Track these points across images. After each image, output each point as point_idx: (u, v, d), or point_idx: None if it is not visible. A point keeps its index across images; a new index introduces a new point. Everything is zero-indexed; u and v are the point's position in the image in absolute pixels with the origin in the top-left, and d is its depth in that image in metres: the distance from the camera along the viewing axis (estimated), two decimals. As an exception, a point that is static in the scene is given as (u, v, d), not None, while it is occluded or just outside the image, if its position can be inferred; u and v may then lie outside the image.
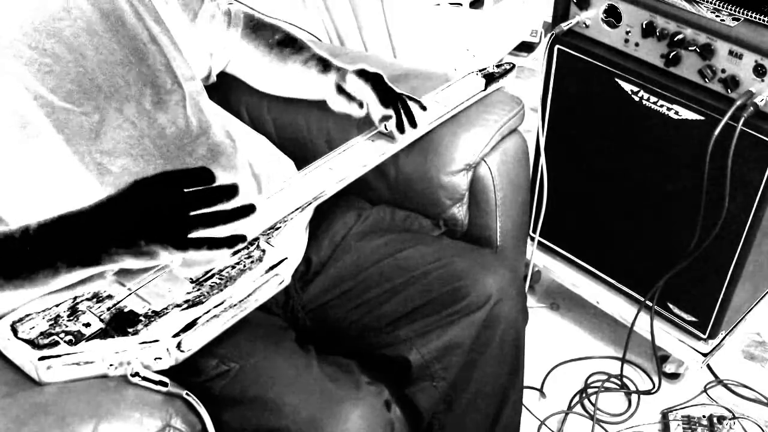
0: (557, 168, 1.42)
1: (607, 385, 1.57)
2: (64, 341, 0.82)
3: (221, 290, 0.89)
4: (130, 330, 0.84)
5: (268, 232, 0.97)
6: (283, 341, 0.98)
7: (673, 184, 1.33)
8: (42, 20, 0.90)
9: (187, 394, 0.83)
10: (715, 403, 1.53)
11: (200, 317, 0.86)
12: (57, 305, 0.86)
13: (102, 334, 0.83)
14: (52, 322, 0.84)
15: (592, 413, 1.51)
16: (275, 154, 1.18)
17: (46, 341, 0.82)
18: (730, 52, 1.16)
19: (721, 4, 1.19)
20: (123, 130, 0.95)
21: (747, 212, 1.24)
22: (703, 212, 1.25)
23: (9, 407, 0.78)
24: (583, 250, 1.58)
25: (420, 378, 1.03)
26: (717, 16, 1.18)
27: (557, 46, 1.37)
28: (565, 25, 1.33)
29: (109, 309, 0.86)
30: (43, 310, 0.86)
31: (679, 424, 1.47)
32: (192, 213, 0.83)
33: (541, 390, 1.57)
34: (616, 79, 1.31)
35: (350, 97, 1.11)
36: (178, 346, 0.84)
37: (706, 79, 1.20)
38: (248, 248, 0.95)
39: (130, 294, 0.88)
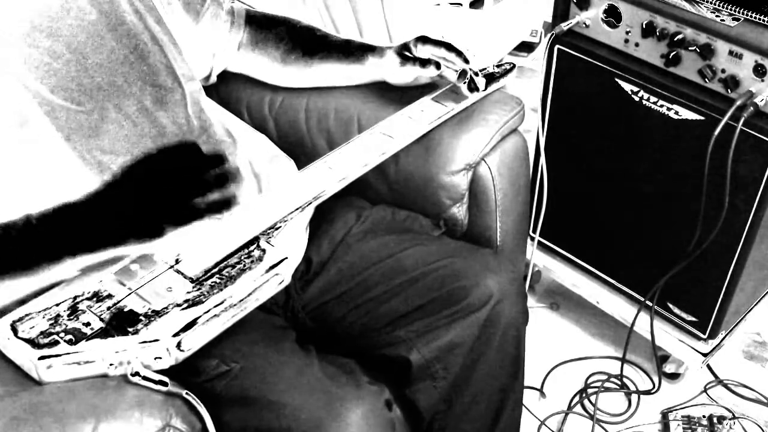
0: (557, 168, 1.42)
1: (607, 385, 1.57)
2: (64, 341, 0.82)
3: (221, 290, 0.89)
4: (130, 329, 0.84)
5: (268, 231, 0.97)
6: (283, 341, 0.98)
7: (673, 184, 1.33)
8: (41, 19, 0.90)
9: (187, 393, 0.83)
10: (715, 403, 1.53)
11: (200, 317, 0.86)
12: (57, 304, 0.86)
13: (102, 334, 0.83)
14: (52, 321, 0.84)
15: (592, 413, 1.51)
16: (275, 153, 1.18)
17: (46, 340, 0.82)
18: (730, 52, 1.16)
19: (721, 4, 1.19)
20: (123, 129, 0.95)
21: (747, 212, 1.24)
22: (703, 212, 1.25)
23: (9, 407, 0.78)
24: (583, 250, 1.58)
25: (420, 378, 1.03)
26: (717, 16, 1.18)
27: (557, 46, 1.37)
28: (565, 25, 1.33)
29: (109, 308, 0.86)
30: (43, 310, 0.86)
31: (679, 424, 1.47)
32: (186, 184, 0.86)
33: (541, 390, 1.57)
34: (616, 79, 1.31)
35: (423, 62, 1.12)
36: (178, 345, 0.84)
37: (706, 79, 1.20)
38: (248, 248, 0.95)
39: (130, 293, 0.88)
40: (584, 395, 1.55)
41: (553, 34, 1.34)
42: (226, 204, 0.88)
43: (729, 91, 1.19)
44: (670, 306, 1.46)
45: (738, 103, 1.15)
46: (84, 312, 0.85)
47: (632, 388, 1.57)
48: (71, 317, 0.85)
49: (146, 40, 1.00)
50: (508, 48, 2.36)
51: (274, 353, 0.94)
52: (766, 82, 1.14)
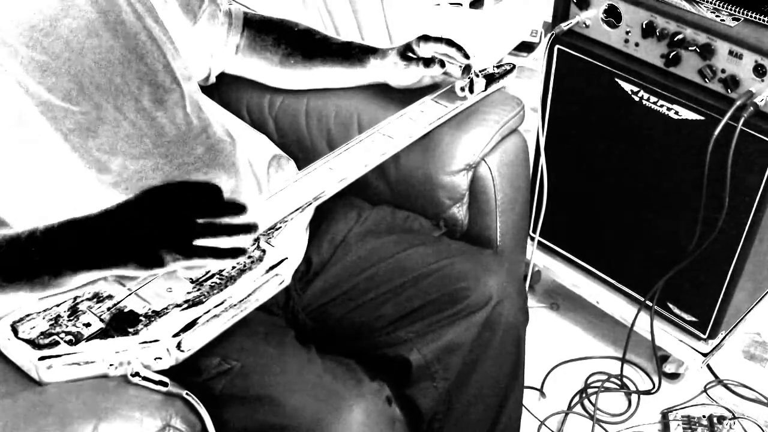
0: (557, 168, 1.42)
1: (607, 385, 1.57)
2: (65, 341, 0.82)
3: (221, 290, 0.89)
4: (131, 330, 0.84)
5: (269, 232, 0.97)
6: (284, 340, 0.98)
7: (673, 184, 1.33)
8: (40, 19, 0.90)
9: (187, 393, 0.83)
10: (715, 403, 1.53)
11: (200, 317, 0.86)
12: (57, 305, 0.86)
13: (102, 334, 0.83)
14: (53, 322, 0.84)
15: (592, 413, 1.51)
16: (275, 153, 1.18)
17: (46, 341, 0.82)
18: (730, 52, 1.16)
19: (721, 4, 1.19)
20: (122, 129, 0.95)
21: (747, 212, 1.24)
22: (703, 212, 1.25)
23: (9, 407, 0.78)
24: (583, 250, 1.58)
25: (420, 378, 1.03)
26: (717, 16, 1.18)
27: (557, 46, 1.37)
28: (565, 25, 1.33)
29: (109, 309, 0.86)
30: (44, 310, 0.86)
31: (679, 424, 1.47)
32: (198, 221, 0.85)
33: (541, 390, 1.57)
34: (616, 79, 1.31)
35: (426, 62, 1.12)
36: (178, 345, 0.84)
37: (706, 79, 1.20)
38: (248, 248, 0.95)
39: (130, 294, 0.88)
40: (584, 395, 1.55)
41: (553, 34, 1.34)
42: (232, 253, 0.87)
43: (729, 91, 1.19)
44: (670, 306, 1.46)
45: (738, 103, 1.15)
46: (84, 312, 0.85)
47: (632, 388, 1.57)
48: (71, 318, 0.85)
49: (145, 39, 1.00)
50: (508, 48, 2.36)
51: (274, 351, 0.94)
52: (766, 82, 1.14)
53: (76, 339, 0.83)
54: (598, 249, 1.56)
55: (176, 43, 1.07)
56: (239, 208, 0.88)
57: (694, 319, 1.44)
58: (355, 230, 1.12)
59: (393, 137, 1.09)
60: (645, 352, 1.60)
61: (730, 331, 1.48)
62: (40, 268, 0.83)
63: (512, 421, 1.13)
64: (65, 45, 0.91)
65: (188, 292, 0.88)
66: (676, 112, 1.26)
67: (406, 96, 1.17)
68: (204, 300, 0.88)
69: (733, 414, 1.49)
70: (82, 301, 0.87)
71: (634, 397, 1.55)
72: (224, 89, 1.29)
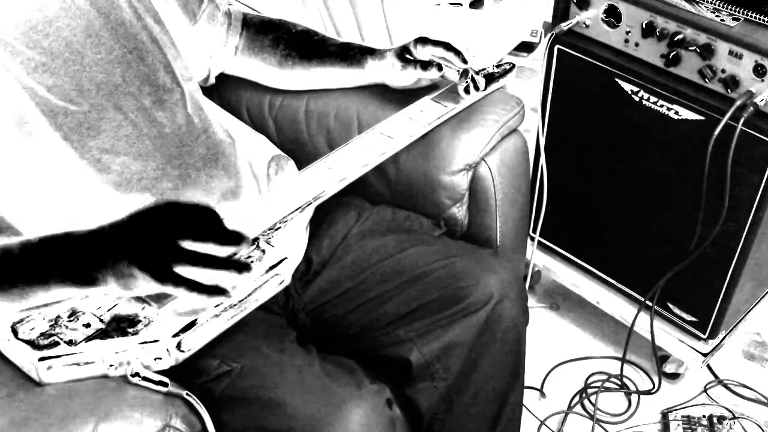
0: (557, 168, 1.42)
1: (607, 385, 1.57)
2: (64, 342, 0.82)
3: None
4: (130, 330, 0.84)
5: (268, 232, 0.97)
6: (284, 341, 0.98)
7: (673, 184, 1.33)
8: (40, 19, 0.90)
9: (187, 394, 0.83)
10: (715, 403, 1.53)
11: (200, 317, 0.86)
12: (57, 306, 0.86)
13: (102, 335, 0.83)
14: (52, 322, 0.84)
15: (592, 413, 1.51)
16: (275, 153, 1.18)
17: (46, 342, 0.82)
18: (730, 52, 1.16)
19: (721, 4, 1.19)
20: (122, 129, 0.95)
21: (747, 212, 1.24)
22: (703, 212, 1.25)
23: (9, 407, 0.78)
24: (583, 250, 1.58)
25: (420, 378, 1.03)
26: (717, 16, 1.18)
27: (557, 46, 1.37)
28: (565, 25, 1.33)
29: (109, 309, 0.86)
30: (44, 311, 0.86)
31: (679, 424, 1.47)
32: (183, 247, 0.81)
33: (541, 390, 1.57)
34: (616, 79, 1.31)
35: (424, 64, 1.12)
36: (178, 346, 0.84)
37: (706, 79, 1.20)
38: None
39: (130, 294, 0.88)
40: (584, 395, 1.55)
41: (553, 34, 1.34)
42: (212, 291, 0.82)
43: (729, 91, 1.19)
44: (670, 306, 1.46)
45: (738, 103, 1.15)
46: (84, 313, 0.85)
47: (632, 388, 1.57)
48: (71, 318, 0.85)
49: (145, 39, 1.00)
50: (508, 48, 2.36)
51: (274, 353, 0.94)
52: (766, 82, 1.14)
53: (76, 339, 0.82)
54: (598, 249, 1.55)
55: (176, 43, 1.07)
56: (234, 240, 0.83)
57: (694, 319, 1.44)
58: (355, 230, 1.12)
59: (393, 137, 1.09)
60: (645, 352, 1.60)
61: (730, 331, 1.48)
62: (30, 279, 0.82)
63: (512, 421, 1.13)
64: (65, 45, 0.91)
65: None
66: (676, 112, 1.26)
67: (405, 96, 1.17)
68: (204, 300, 0.87)
69: (733, 414, 1.49)
70: (82, 301, 0.87)
71: (634, 397, 1.55)
72: (224, 90, 1.29)
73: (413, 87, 1.17)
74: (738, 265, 1.30)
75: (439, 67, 1.11)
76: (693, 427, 1.46)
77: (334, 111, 1.22)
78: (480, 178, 1.17)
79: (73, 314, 0.85)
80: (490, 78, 1.20)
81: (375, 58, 1.16)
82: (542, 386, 1.58)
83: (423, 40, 1.14)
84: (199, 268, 0.81)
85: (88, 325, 0.84)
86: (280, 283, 0.93)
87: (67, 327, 0.84)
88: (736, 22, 1.16)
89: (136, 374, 0.82)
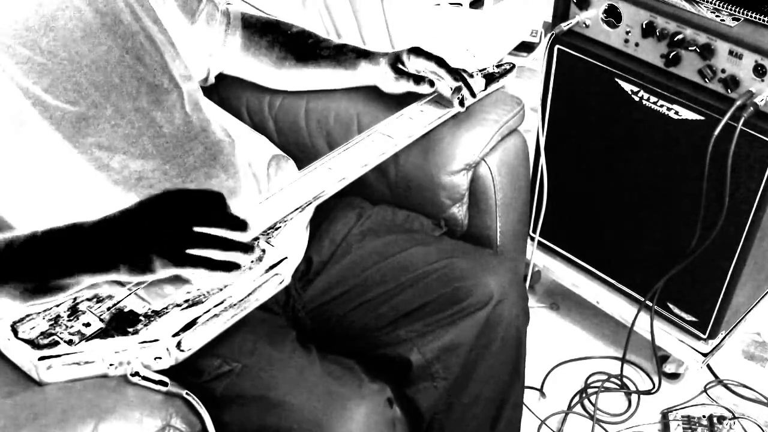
0: (557, 168, 1.42)
1: (607, 385, 1.57)
2: (64, 341, 0.82)
3: (221, 290, 0.89)
4: (130, 330, 0.84)
5: (268, 231, 0.97)
6: (284, 341, 0.98)
7: (673, 184, 1.33)
8: (37, 19, 0.90)
9: (187, 393, 0.83)
10: (715, 403, 1.53)
11: (200, 317, 0.86)
12: (57, 305, 0.86)
13: (102, 334, 0.83)
14: (52, 322, 0.84)
15: (592, 413, 1.51)
16: (275, 153, 1.18)
17: (46, 341, 0.82)
18: (730, 52, 1.16)
19: (721, 4, 1.19)
20: (120, 129, 0.95)
21: (747, 212, 1.24)
22: (703, 212, 1.25)
23: (9, 407, 0.78)
24: (583, 250, 1.58)
25: (420, 378, 1.03)
26: (717, 16, 1.18)
27: (557, 46, 1.37)
28: (565, 25, 1.33)
29: (109, 309, 0.86)
30: (44, 310, 0.86)
31: (679, 424, 1.47)
32: (195, 230, 0.84)
33: (541, 390, 1.57)
34: (616, 79, 1.31)
35: (417, 78, 1.12)
36: (178, 345, 0.84)
37: (706, 79, 1.20)
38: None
39: (130, 294, 0.88)
40: (584, 395, 1.55)
41: (553, 34, 1.34)
42: (225, 266, 0.86)
43: (729, 91, 1.19)
44: (670, 306, 1.46)
45: (738, 103, 1.15)
46: (84, 312, 0.85)
47: (632, 388, 1.57)
48: (71, 318, 0.85)
49: (142, 40, 1.00)
50: (508, 48, 2.36)
51: (275, 352, 0.94)
52: (766, 82, 1.14)
53: (76, 339, 0.83)
54: (598, 249, 1.56)
55: (175, 43, 1.07)
56: (240, 225, 0.88)
57: (694, 319, 1.44)
58: (356, 230, 1.12)
59: (392, 137, 1.10)
60: (645, 352, 1.60)
61: (730, 331, 1.48)
62: (38, 271, 0.83)
63: (512, 421, 1.13)
64: (62, 45, 0.91)
65: (188, 292, 0.88)
66: (676, 112, 1.26)
67: (405, 97, 1.17)
68: (204, 300, 0.87)
69: (733, 414, 1.49)
70: (82, 301, 0.87)
71: (634, 397, 1.55)
72: (224, 89, 1.29)
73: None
74: (738, 265, 1.30)
75: (431, 83, 1.12)
76: (693, 427, 1.46)
77: (334, 111, 1.22)
78: (480, 178, 1.17)
79: (73, 314, 0.85)
80: (490, 78, 1.20)
81: (368, 62, 1.17)
82: (542, 386, 1.58)
83: (416, 51, 1.13)
84: (211, 250, 0.85)
85: (88, 325, 0.84)
86: (281, 282, 0.93)
87: (67, 326, 0.84)
88: (736, 22, 1.16)
89: (136, 374, 0.82)
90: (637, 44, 1.27)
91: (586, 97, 1.38)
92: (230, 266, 0.87)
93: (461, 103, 1.14)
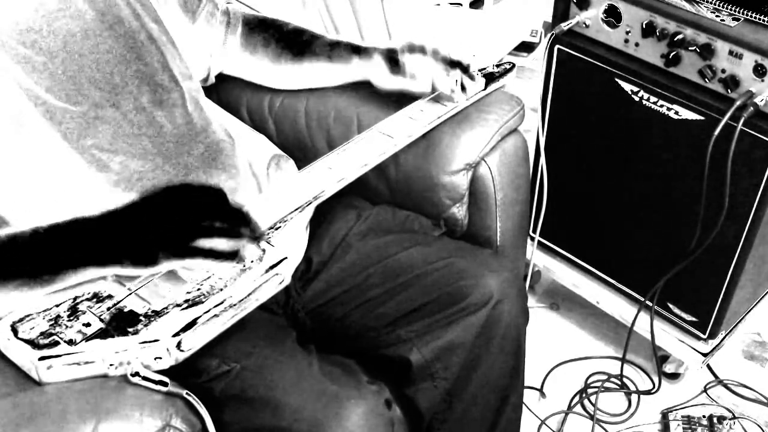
0: (557, 168, 1.42)
1: (607, 385, 1.57)
2: (64, 341, 0.82)
3: (221, 290, 0.89)
4: (130, 330, 0.84)
5: (268, 231, 0.97)
6: (284, 341, 0.98)
7: (673, 184, 1.33)
8: (37, 19, 0.90)
9: (187, 393, 0.83)
10: (715, 403, 1.53)
11: (200, 317, 0.86)
12: (57, 305, 0.86)
13: (102, 334, 0.83)
14: (52, 322, 0.84)
15: (592, 413, 1.51)
16: (275, 153, 1.18)
17: (46, 341, 0.82)
18: (730, 52, 1.16)
19: (721, 4, 1.19)
20: (121, 128, 0.95)
21: (747, 212, 1.24)
22: (703, 212, 1.25)
23: (9, 407, 0.78)
24: (583, 250, 1.58)
25: (420, 378, 1.03)
26: (717, 16, 1.18)
27: (557, 46, 1.37)
28: (565, 25, 1.33)
29: (109, 309, 0.86)
30: (44, 310, 0.86)
31: (679, 424, 1.47)
32: (199, 224, 0.84)
33: (541, 390, 1.57)
34: (616, 79, 1.31)
35: (413, 75, 1.12)
36: (178, 345, 0.84)
37: (706, 79, 1.20)
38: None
39: (130, 294, 0.88)
40: (584, 395, 1.55)
41: (553, 34, 1.34)
42: (229, 255, 0.86)
43: (729, 91, 1.19)
44: (670, 306, 1.46)
45: (738, 103, 1.15)
46: (84, 312, 0.85)
47: (632, 388, 1.57)
48: (71, 318, 0.85)
49: (143, 39, 1.00)
50: (508, 48, 2.36)
51: (274, 353, 0.94)
52: (766, 82, 1.14)
53: (76, 339, 0.83)
54: (598, 249, 1.56)
55: (176, 42, 1.07)
56: (242, 220, 0.87)
57: (694, 319, 1.44)
58: (356, 230, 1.12)
59: (392, 136, 1.09)
60: (645, 352, 1.60)
61: (730, 331, 1.48)
62: (42, 266, 0.83)
63: (512, 421, 1.13)
64: (63, 45, 0.91)
65: (188, 292, 0.88)
66: (676, 112, 1.26)
67: (404, 96, 1.17)
68: (204, 300, 0.87)
69: (733, 414, 1.49)
70: (82, 301, 0.87)
71: (634, 397, 1.55)
72: (224, 89, 1.29)
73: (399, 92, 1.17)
74: (738, 265, 1.30)
75: (428, 81, 1.12)
76: (693, 427, 1.46)
77: (334, 111, 1.22)
78: (480, 178, 1.17)
79: (74, 313, 0.85)
80: (490, 78, 1.20)
81: (361, 57, 1.17)
82: (542, 386, 1.58)
83: (411, 47, 1.13)
84: (215, 239, 0.84)
85: (88, 325, 0.84)
86: (280, 282, 0.93)
87: (67, 326, 0.84)
88: (736, 22, 1.16)
89: (136, 374, 0.82)
90: (637, 44, 1.27)
91: (586, 97, 1.38)
92: (234, 254, 0.86)
93: (463, 89, 1.13)
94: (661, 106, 1.27)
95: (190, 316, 0.86)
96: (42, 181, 0.90)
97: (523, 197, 1.25)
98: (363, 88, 1.22)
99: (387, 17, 1.89)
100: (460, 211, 1.18)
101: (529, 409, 1.51)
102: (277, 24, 1.23)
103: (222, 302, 0.88)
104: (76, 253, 0.83)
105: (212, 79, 1.23)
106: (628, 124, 1.34)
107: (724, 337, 1.47)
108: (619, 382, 1.56)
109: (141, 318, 0.85)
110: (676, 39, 1.21)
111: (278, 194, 1.03)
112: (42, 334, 0.83)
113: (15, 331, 0.83)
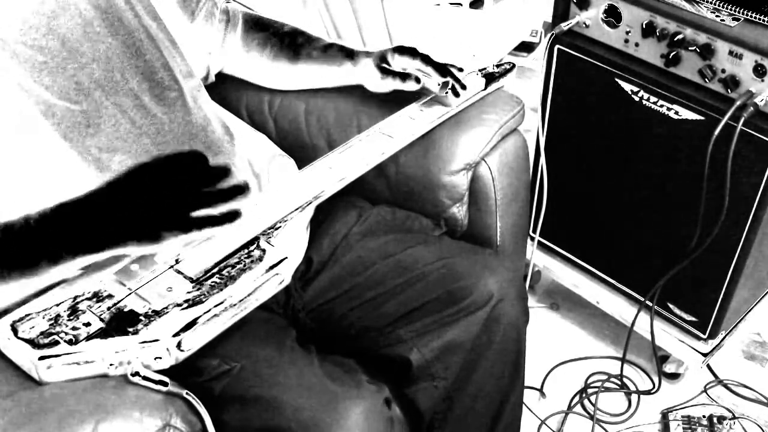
0: (557, 168, 1.42)
1: (607, 385, 1.57)
2: (64, 341, 0.82)
3: (221, 290, 0.89)
4: (130, 329, 0.84)
5: (268, 231, 0.97)
6: (284, 341, 0.98)
7: (673, 184, 1.33)
8: (37, 18, 0.90)
9: (187, 393, 0.83)
10: (715, 403, 1.53)
11: (200, 317, 0.86)
12: (57, 305, 0.86)
13: (102, 334, 0.83)
14: (52, 321, 0.84)
15: (592, 413, 1.51)
16: (275, 153, 1.18)
17: (46, 341, 0.82)
18: (730, 52, 1.16)
19: (721, 4, 1.19)
20: (121, 126, 0.95)
21: (747, 212, 1.24)
22: (703, 212, 1.25)
23: (9, 407, 0.78)
24: (583, 250, 1.58)
25: (420, 378, 1.03)
26: (717, 16, 1.18)
27: (557, 46, 1.37)
28: (565, 25, 1.33)
29: (109, 308, 0.86)
30: (44, 310, 0.86)
31: (679, 424, 1.47)
32: (193, 193, 0.84)
33: (541, 390, 1.57)
34: (616, 79, 1.31)
35: (403, 76, 1.13)
36: (178, 345, 0.84)
37: (706, 79, 1.20)
38: (248, 248, 0.95)
39: (130, 293, 0.88)
40: (584, 395, 1.55)
41: (553, 34, 1.34)
42: (228, 218, 0.86)
43: (729, 91, 1.19)
44: (670, 306, 1.46)
45: (738, 103, 1.15)
46: (84, 312, 0.85)
47: (632, 388, 1.57)
48: (71, 317, 0.85)
49: (143, 37, 1.00)
50: (508, 48, 2.36)
51: (274, 353, 0.94)
52: (766, 82, 1.14)
53: (76, 339, 0.82)
54: (598, 249, 1.56)
55: (175, 41, 1.07)
56: (224, 171, 0.87)
57: (694, 319, 1.44)
58: (356, 230, 1.12)
59: (393, 136, 1.10)
60: (645, 352, 1.60)
61: (730, 331, 1.48)
62: (38, 255, 0.83)
63: (512, 421, 1.13)
64: (63, 44, 0.91)
65: (188, 292, 0.88)
66: (676, 112, 1.26)
67: (405, 96, 1.17)
68: (204, 299, 0.87)
69: (733, 414, 1.49)
70: (82, 300, 0.87)
71: (634, 397, 1.55)
72: (224, 89, 1.29)
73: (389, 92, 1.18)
74: (738, 265, 1.30)
75: (418, 80, 1.12)
76: (693, 427, 1.46)
77: (334, 111, 1.22)
78: (480, 177, 1.17)
79: (74, 313, 0.85)
80: (490, 78, 1.20)
81: (351, 61, 1.18)
82: (542, 386, 1.58)
83: (400, 50, 1.14)
84: (211, 207, 0.85)
85: (88, 324, 0.84)
86: (280, 282, 0.93)
87: (67, 326, 0.84)
88: (736, 22, 1.16)
89: (136, 373, 0.82)
90: (637, 44, 1.27)
91: (586, 97, 1.38)
92: (233, 216, 0.86)
93: (455, 93, 1.14)
94: (661, 106, 1.27)
95: (190, 315, 0.86)
96: (40, 180, 0.90)
97: (523, 197, 1.25)
98: (363, 88, 1.22)
99: (387, 17, 1.89)
100: (460, 211, 1.18)
101: (529, 409, 1.51)
102: (275, 25, 1.23)
103: (222, 302, 0.88)
104: (75, 238, 0.83)
105: (212, 78, 1.23)
106: (628, 124, 1.34)
107: (724, 337, 1.47)
108: (619, 382, 1.56)
109: (141, 318, 0.85)
110: (676, 39, 1.21)
111: (278, 194, 1.03)
112: (42, 333, 0.83)
113: (15, 330, 0.83)
